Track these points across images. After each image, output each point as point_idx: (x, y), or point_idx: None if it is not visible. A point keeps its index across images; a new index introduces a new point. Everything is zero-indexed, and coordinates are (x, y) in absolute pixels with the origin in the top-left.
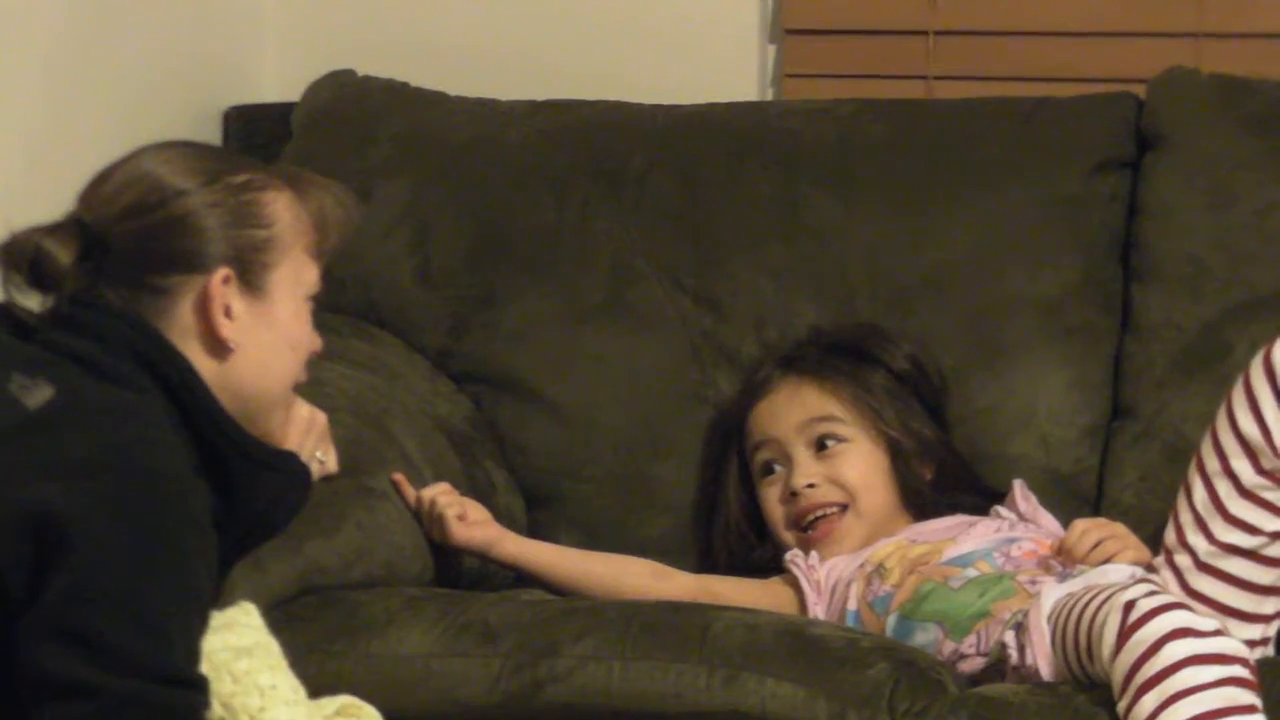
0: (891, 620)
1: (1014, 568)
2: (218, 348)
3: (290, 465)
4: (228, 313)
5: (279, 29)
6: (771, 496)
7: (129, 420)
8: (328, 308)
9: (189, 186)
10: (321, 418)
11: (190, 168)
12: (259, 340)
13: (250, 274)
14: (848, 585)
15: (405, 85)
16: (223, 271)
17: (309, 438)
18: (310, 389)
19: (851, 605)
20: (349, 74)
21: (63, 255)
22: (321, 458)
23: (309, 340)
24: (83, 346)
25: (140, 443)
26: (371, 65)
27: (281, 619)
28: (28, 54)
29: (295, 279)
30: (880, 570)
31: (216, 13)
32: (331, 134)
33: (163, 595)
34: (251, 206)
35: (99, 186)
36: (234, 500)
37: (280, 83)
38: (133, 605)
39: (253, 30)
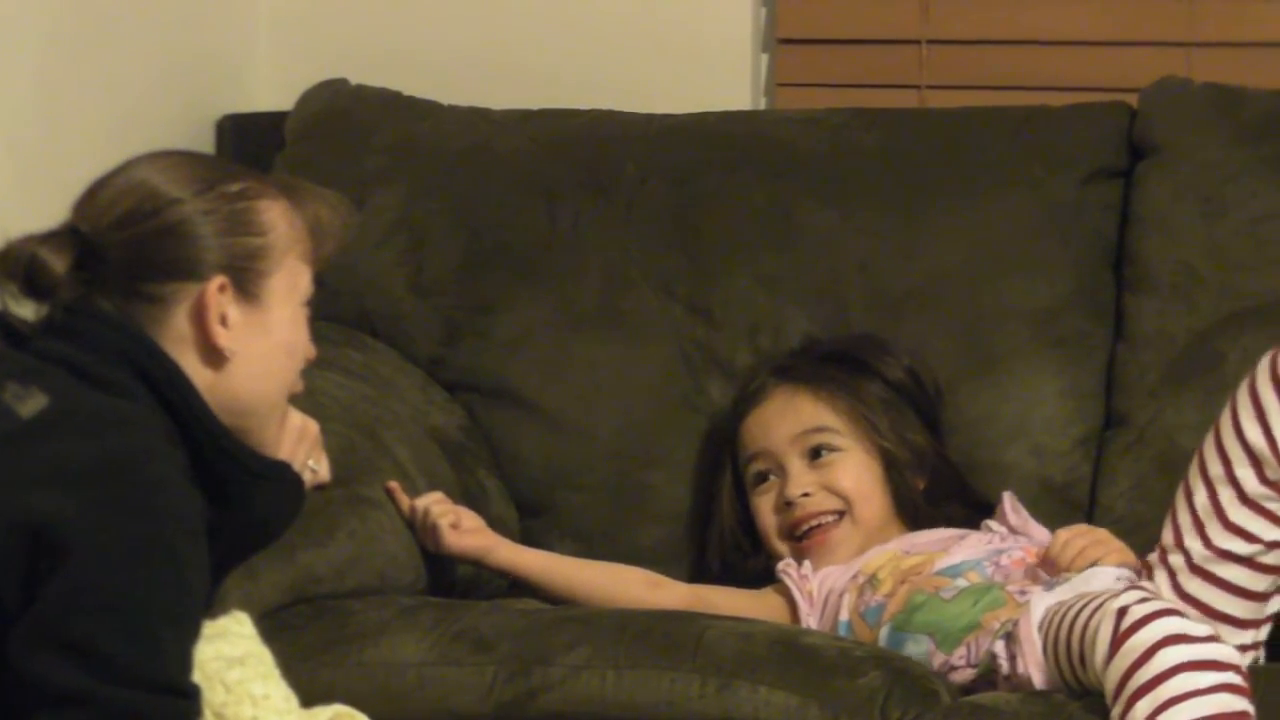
0: (884, 632)
1: (1003, 577)
2: (213, 356)
3: (284, 475)
4: (224, 321)
5: (272, 37)
6: (765, 506)
7: (123, 429)
8: (321, 316)
9: (183, 195)
10: (313, 427)
11: (185, 176)
12: (255, 348)
13: (246, 282)
14: (840, 595)
15: (398, 94)
16: (218, 280)
17: (301, 447)
18: (303, 398)
19: (844, 616)
20: (342, 83)
21: (57, 264)
22: (314, 467)
23: (305, 348)
24: (77, 355)
25: (135, 451)
26: (364, 74)
27: (274, 628)
28: (20, 63)
29: (291, 285)
30: (873, 581)
31: (210, 20)
32: (324, 143)
33: (156, 604)
34: (246, 214)
35: (93, 196)
36: (228, 509)
37: (273, 91)
38: (126, 614)
39: (246, 38)
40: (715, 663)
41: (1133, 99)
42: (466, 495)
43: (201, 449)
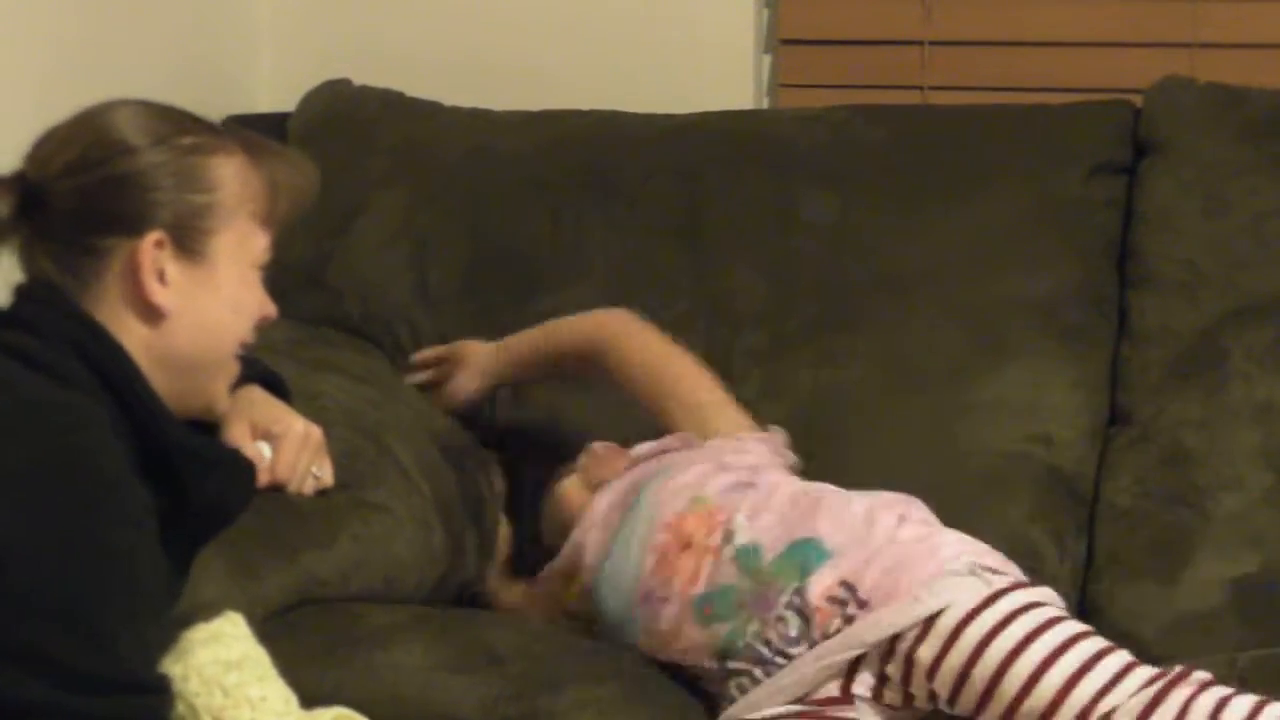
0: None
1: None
2: (150, 313)
3: (233, 459)
4: (162, 278)
5: (275, 38)
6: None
7: (67, 423)
8: (325, 320)
9: (135, 145)
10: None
11: (139, 127)
12: (196, 306)
13: (188, 239)
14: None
15: (400, 95)
16: (155, 235)
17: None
18: (306, 402)
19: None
20: (344, 83)
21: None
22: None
23: (257, 305)
24: (27, 344)
25: (77, 450)
26: (366, 75)
27: (281, 628)
28: (23, 65)
29: (240, 246)
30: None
31: (212, 22)
32: (327, 144)
33: (110, 605)
34: (197, 170)
35: (45, 142)
36: (180, 497)
37: (275, 92)
38: (80, 621)
39: (248, 39)
40: None
41: (1136, 100)
42: (467, 501)
43: (151, 439)
